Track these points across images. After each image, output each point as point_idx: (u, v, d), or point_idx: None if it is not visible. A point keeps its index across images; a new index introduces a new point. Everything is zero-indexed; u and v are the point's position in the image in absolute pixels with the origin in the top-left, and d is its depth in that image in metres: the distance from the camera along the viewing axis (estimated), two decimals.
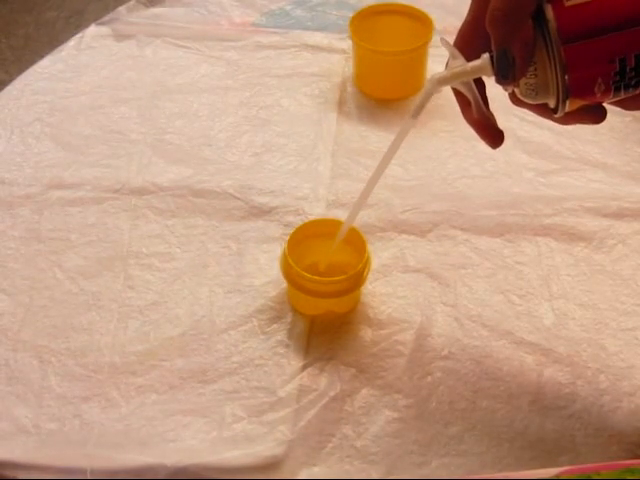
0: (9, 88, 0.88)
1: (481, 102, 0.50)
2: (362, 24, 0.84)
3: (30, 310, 0.66)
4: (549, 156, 0.78)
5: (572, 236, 0.71)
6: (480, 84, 0.51)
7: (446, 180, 0.76)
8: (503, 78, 0.46)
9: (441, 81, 0.49)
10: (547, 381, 0.61)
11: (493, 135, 0.51)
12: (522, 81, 0.47)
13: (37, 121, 0.83)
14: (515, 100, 0.50)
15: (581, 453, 0.56)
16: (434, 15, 0.83)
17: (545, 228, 0.71)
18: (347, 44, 0.90)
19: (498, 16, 0.44)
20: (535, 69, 0.46)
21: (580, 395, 0.60)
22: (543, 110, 0.49)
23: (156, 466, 0.55)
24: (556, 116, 0.47)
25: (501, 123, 0.81)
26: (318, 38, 0.93)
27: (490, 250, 0.70)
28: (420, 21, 0.83)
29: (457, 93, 0.52)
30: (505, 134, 0.78)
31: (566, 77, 0.44)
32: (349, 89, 0.86)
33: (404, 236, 0.71)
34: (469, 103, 0.50)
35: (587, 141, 0.80)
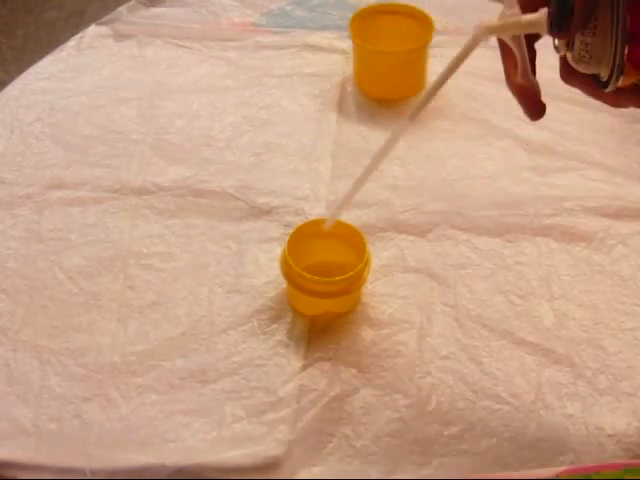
0: (9, 88, 0.88)
1: (529, 65, 0.45)
2: (362, 24, 0.84)
3: (30, 310, 0.66)
4: (549, 156, 0.78)
5: (572, 236, 0.71)
6: (531, 50, 0.46)
7: (446, 180, 0.76)
8: (557, 28, 0.41)
9: (491, 29, 0.45)
10: (547, 381, 0.61)
11: (535, 105, 0.46)
12: (578, 39, 0.42)
13: (37, 121, 0.83)
14: (565, 71, 0.45)
15: (581, 453, 0.56)
16: (434, 15, 0.83)
17: (545, 228, 0.71)
18: (347, 44, 0.90)
19: None
20: (595, 27, 0.41)
21: (580, 395, 0.60)
22: (593, 86, 0.44)
23: (156, 466, 0.55)
24: (607, 90, 0.43)
25: (501, 123, 0.82)
26: (318, 38, 0.93)
27: (490, 250, 0.70)
28: (420, 21, 0.83)
29: (504, 53, 0.47)
30: (505, 134, 0.79)
31: (626, 44, 0.40)
32: (349, 89, 0.86)
33: (404, 236, 0.71)
34: (515, 66, 0.46)
35: (587, 141, 0.80)
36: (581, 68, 0.44)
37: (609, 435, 0.57)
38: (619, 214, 0.72)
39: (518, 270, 0.68)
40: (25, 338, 0.64)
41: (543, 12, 0.43)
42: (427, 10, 0.83)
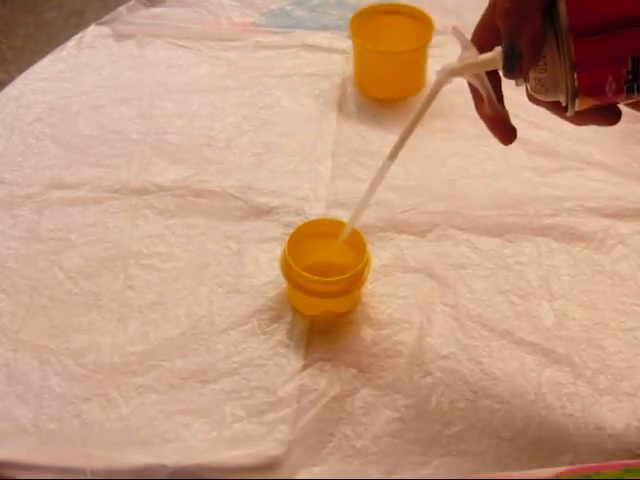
0: (9, 88, 0.87)
1: (494, 97, 0.48)
2: (362, 24, 0.84)
3: (30, 310, 0.66)
4: (549, 156, 0.78)
5: (572, 236, 0.71)
6: (495, 79, 0.50)
7: (446, 180, 0.76)
8: (509, 71, 0.45)
9: (453, 72, 0.49)
10: (547, 381, 0.61)
11: (505, 131, 0.50)
12: (532, 75, 0.46)
13: (37, 121, 0.83)
14: (530, 96, 0.49)
15: (581, 453, 0.56)
16: (434, 15, 0.83)
17: (545, 228, 0.71)
18: (347, 44, 0.90)
19: (506, 8, 0.44)
20: (545, 63, 0.44)
21: (580, 395, 0.60)
22: (557, 109, 0.48)
23: (156, 466, 0.55)
24: (567, 114, 0.46)
25: None
26: (318, 38, 0.93)
27: (490, 250, 0.70)
28: (420, 21, 0.83)
29: (472, 87, 0.51)
30: None
31: (575, 73, 0.43)
32: (349, 89, 0.86)
33: (404, 236, 0.71)
34: (482, 98, 0.49)
35: (587, 141, 0.80)
36: (541, 97, 0.47)
37: (609, 435, 0.57)
38: (619, 214, 0.72)
39: (518, 270, 0.68)
40: (25, 338, 0.64)
41: (498, 50, 0.46)
42: (427, 10, 0.83)
